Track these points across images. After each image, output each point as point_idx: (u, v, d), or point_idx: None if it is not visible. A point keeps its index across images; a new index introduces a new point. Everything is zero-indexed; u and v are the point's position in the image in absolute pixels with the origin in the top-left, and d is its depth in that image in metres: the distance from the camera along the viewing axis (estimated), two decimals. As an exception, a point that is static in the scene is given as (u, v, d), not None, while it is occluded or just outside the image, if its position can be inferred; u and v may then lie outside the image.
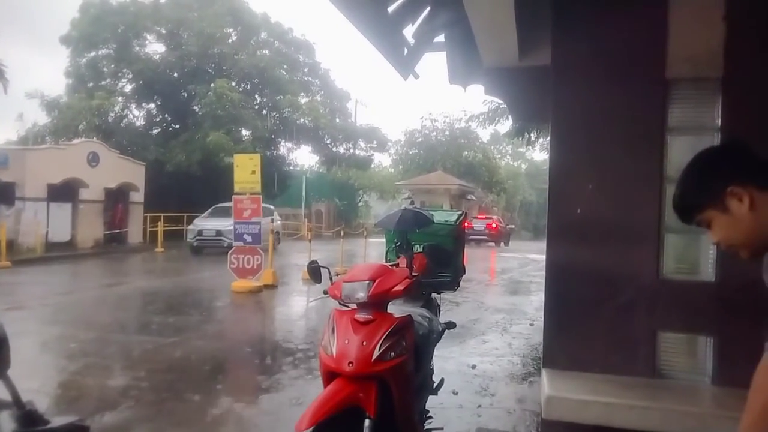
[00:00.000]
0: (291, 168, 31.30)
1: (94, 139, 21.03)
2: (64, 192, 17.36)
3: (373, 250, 16.17)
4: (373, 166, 37.99)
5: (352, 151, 32.79)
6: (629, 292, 3.09)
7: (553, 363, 3.18)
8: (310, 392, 4.48)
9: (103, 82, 25.59)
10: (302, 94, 28.97)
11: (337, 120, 30.63)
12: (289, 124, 27.82)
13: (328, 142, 30.34)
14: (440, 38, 4.56)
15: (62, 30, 25.32)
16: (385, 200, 39.89)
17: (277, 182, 26.67)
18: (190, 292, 10.35)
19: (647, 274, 3.08)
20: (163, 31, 26.34)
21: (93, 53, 25.64)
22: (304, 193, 31.37)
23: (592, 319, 3.12)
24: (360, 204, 39.67)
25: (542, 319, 3.21)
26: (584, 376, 3.03)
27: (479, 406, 4.36)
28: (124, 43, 25.24)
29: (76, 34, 24.91)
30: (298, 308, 9.62)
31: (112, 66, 25.81)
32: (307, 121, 27.73)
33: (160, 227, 19.33)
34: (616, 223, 3.13)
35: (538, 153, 46.50)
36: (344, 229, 16.82)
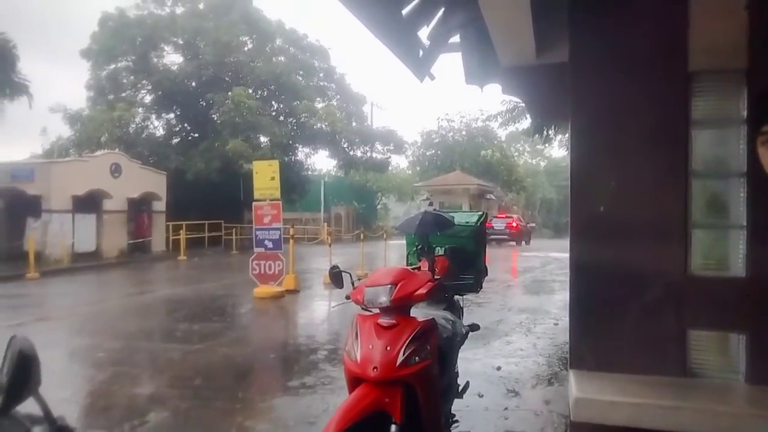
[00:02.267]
0: (309, 173, 31.46)
1: (116, 150, 21.41)
2: (89, 203, 17.71)
3: (393, 253, 16.15)
4: (390, 168, 37.99)
5: (369, 154, 32.84)
6: (656, 290, 3.02)
7: (580, 364, 3.13)
8: (335, 398, 4.50)
9: (123, 94, 26.05)
10: (318, 99, 29.11)
11: (354, 124, 30.71)
12: (306, 130, 27.97)
13: (345, 146, 30.43)
14: (455, 39, 4.54)
15: (82, 44, 25.89)
16: (403, 202, 39.90)
17: (296, 187, 26.83)
18: (214, 299, 10.46)
19: (674, 271, 3.01)
20: (180, 42, 26.73)
21: (113, 66, 26.13)
22: (322, 198, 31.54)
23: (619, 319, 3.06)
24: (378, 206, 39.74)
25: (567, 318, 3.16)
26: (613, 377, 2.97)
27: (506, 408, 4.32)
28: (143, 55, 25.66)
29: (96, 48, 25.41)
30: (321, 313, 9.66)
31: (132, 77, 26.27)
32: (324, 126, 27.85)
33: (183, 235, 19.59)
34: (640, 220, 3.07)
35: (557, 150, 46.16)
36: (364, 232, 16.82)
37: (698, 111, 3.02)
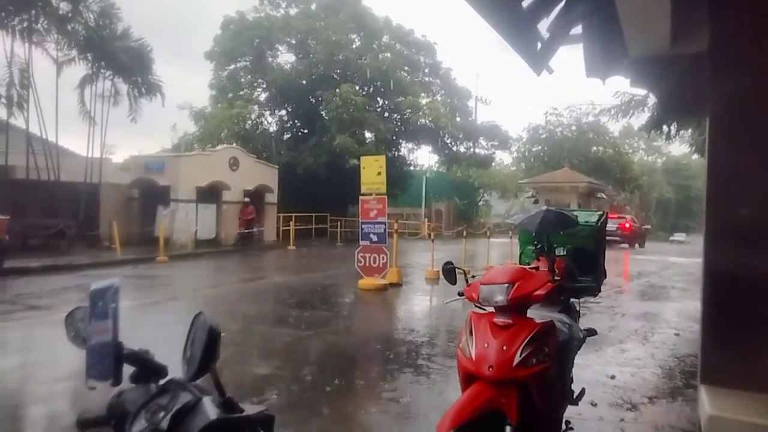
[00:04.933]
0: (412, 168, 31.72)
1: (234, 144, 22.91)
2: (210, 194, 19.15)
3: (496, 251, 15.85)
4: (494, 164, 37.32)
5: (472, 149, 32.49)
6: (810, 303, 2.70)
7: (713, 379, 2.87)
8: (445, 391, 4.51)
9: (241, 93, 27.86)
10: (423, 94, 29.24)
11: (458, 119, 30.49)
12: (410, 125, 28.22)
13: (448, 141, 30.34)
14: (576, 30, 4.33)
15: (206, 47, 28.03)
16: (506, 199, 38.93)
17: (399, 182, 27.17)
18: (322, 288, 10.89)
19: (833, 282, 2.67)
20: (293, 42, 28.04)
21: (232, 66, 28.05)
22: (424, 193, 31.61)
23: (763, 332, 2.77)
24: (480, 203, 39.08)
25: (690, 329, 2.92)
26: (753, 396, 2.70)
27: (622, 420, 4.09)
28: (259, 55, 27.26)
29: (218, 50, 27.38)
30: (424, 307, 9.72)
31: (249, 77, 28.04)
32: (427, 122, 27.95)
33: (292, 226, 20.58)
34: (792, 225, 2.76)
35: (678, 147, 42.60)
36: (467, 229, 16.65)
37: None
